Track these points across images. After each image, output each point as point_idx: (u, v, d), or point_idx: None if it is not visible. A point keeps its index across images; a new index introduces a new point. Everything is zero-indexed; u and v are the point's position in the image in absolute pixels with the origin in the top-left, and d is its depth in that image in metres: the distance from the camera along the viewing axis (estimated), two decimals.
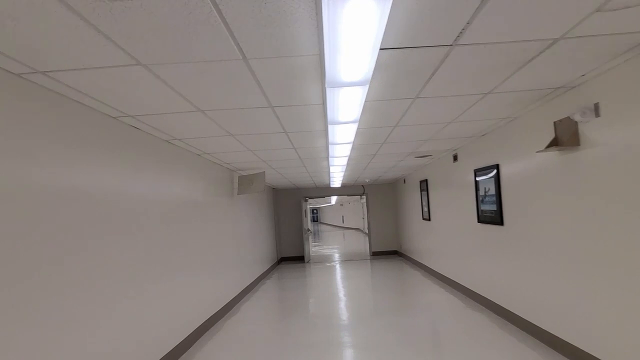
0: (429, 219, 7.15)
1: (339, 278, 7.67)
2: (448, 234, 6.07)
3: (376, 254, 11.05)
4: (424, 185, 7.34)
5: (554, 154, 3.16)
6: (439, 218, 6.53)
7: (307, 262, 10.56)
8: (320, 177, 8.13)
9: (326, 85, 2.15)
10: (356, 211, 24.44)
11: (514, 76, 2.47)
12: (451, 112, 3.30)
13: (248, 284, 6.78)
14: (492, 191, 4.24)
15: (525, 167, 3.60)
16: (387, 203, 11.18)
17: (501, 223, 4.08)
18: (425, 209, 7.37)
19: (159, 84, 2.19)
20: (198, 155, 4.59)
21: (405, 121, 3.51)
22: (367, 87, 2.26)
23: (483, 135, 4.43)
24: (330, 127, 3.25)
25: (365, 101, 2.80)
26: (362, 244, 15.15)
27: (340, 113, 2.81)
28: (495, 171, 4.15)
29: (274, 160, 5.44)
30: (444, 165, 6.04)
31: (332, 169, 6.43)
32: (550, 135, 3.20)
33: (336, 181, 9.06)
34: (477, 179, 4.64)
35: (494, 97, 2.91)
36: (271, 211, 10.07)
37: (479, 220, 4.66)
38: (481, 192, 4.56)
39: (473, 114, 3.41)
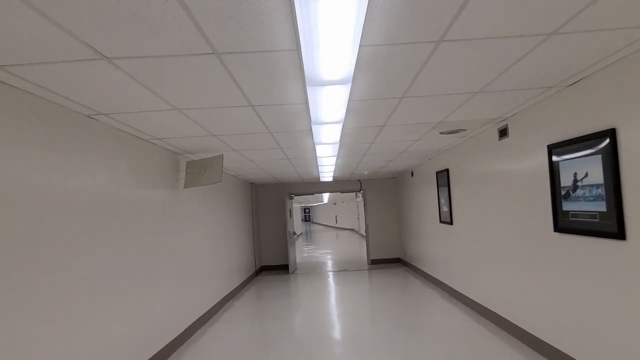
0: (451, 222, 5.33)
1: (331, 299, 5.83)
2: (485, 244, 4.25)
3: (375, 262, 9.23)
4: (444, 177, 5.52)
5: None
6: (468, 221, 4.71)
7: (292, 272, 8.71)
8: (306, 167, 6.27)
9: None
10: (350, 211, 22.70)
11: None
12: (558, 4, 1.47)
13: (206, 310, 4.91)
14: (596, 178, 2.42)
15: None
16: (389, 201, 9.36)
17: (619, 235, 2.26)
18: (445, 208, 5.55)
19: None
20: (90, 117, 2.70)
21: (458, 30, 1.67)
22: None
23: (573, 84, 2.61)
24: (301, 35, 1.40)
25: None
26: (357, 248, 13.34)
27: None
28: (606, 142, 2.33)
29: (230, 135, 3.57)
30: (480, 146, 4.22)
31: (319, 151, 4.56)
32: None
33: (327, 174, 7.22)
34: (556, 159, 2.82)
35: None
36: (248, 210, 8.20)
37: (559, 228, 2.83)
38: (564, 182, 2.74)
39: (601, 10, 1.58)
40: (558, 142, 2.79)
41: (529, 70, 2.29)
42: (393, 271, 8.06)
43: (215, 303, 5.39)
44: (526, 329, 3.44)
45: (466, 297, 4.91)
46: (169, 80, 2.09)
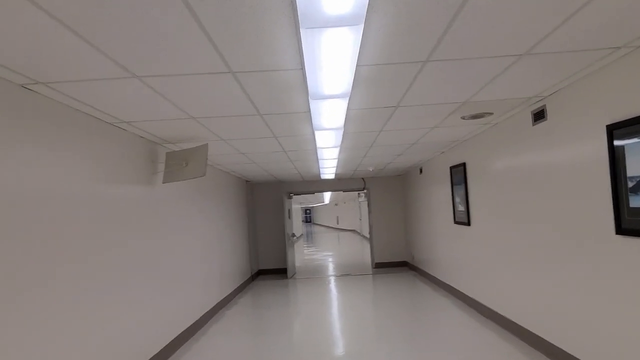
0: (468, 223, 4.73)
1: (332, 308, 5.23)
2: (512, 248, 3.65)
3: (380, 266, 8.63)
4: (459, 173, 4.93)
5: None
6: (490, 222, 4.11)
7: (291, 277, 8.11)
8: (306, 162, 5.69)
9: None
10: (352, 211, 22.11)
11: None
12: None
13: (192, 321, 4.31)
14: None
15: None
16: (394, 201, 8.76)
17: None
18: (461, 208, 4.95)
19: None
20: (25, 88, 2.12)
21: None
22: None
23: None
24: None
25: None
26: (359, 249, 12.74)
27: None
28: None
29: (212, 119, 2.98)
30: (507, 134, 3.62)
31: (320, 140, 3.97)
32: None
33: (328, 169, 6.63)
34: (620, 142, 2.22)
35: None
36: (243, 210, 7.61)
37: (623, 230, 2.23)
38: (632, 171, 2.14)
39: None
40: (623, 121, 2.19)
41: (602, 18, 1.69)
42: (399, 276, 7.45)
43: (204, 313, 4.80)
44: (568, 350, 2.84)
45: (484, 306, 4.31)
46: (105, 22, 1.49)
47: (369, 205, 8.85)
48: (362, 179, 8.78)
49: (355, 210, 21.21)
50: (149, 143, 3.62)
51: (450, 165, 5.27)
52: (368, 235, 16.19)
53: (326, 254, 12.10)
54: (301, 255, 12.35)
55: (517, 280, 3.59)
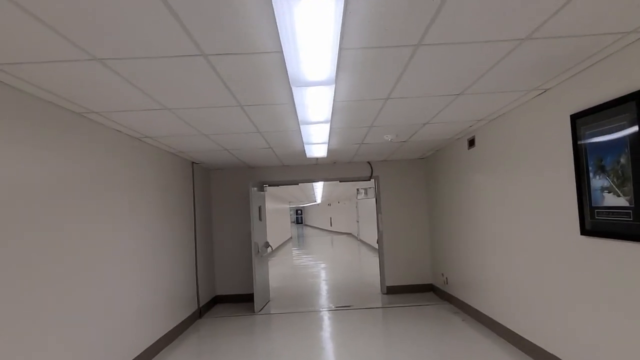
0: None
1: None
2: None
3: (394, 291, 5.87)
4: (619, 120, 2.18)
5: None
6: None
7: (261, 309, 5.30)
8: (275, 119, 2.90)
9: None
10: (347, 212, 19.43)
11: None
12: None
13: None
14: None
15: None
16: (415, 196, 6.01)
17: None
18: (618, 201, 2.19)
19: None
20: None
21: None
22: None
23: None
24: None
25: None
26: (357, 258, 9.98)
27: None
28: None
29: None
30: None
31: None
32: None
33: (317, 137, 3.83)
34: None
35: None
36: (186, 207, 4.78)
37: None
38: None
39: None
40: None
41: None
42: (428, 311, 4.69)
43: None
44: None
45: None
46: None
47: (377, 202, 6.09)
48: (368, 162, 6.02)
49: (351, 210, 18.49)
50: None
51: (575, 111, 2.51)
52: (366, 239, 13.44)
53: (319, 265, 9.28)
54: (287, 267, 9.53)
55: None
